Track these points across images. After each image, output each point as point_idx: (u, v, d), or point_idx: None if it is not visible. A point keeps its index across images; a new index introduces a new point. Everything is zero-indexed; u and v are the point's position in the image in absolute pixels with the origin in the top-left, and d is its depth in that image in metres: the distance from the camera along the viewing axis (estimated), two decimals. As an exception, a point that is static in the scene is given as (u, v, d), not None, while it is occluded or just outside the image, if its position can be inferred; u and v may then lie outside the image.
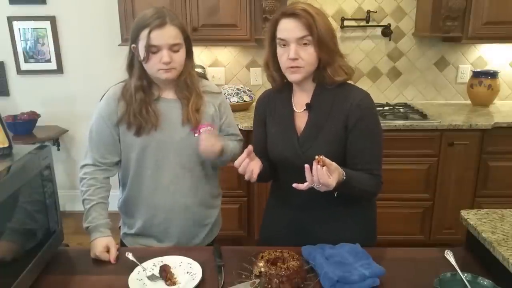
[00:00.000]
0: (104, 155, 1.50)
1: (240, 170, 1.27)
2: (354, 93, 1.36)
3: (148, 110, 1.46)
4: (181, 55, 1.44)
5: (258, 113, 1.53)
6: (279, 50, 1.34)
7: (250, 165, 1.28)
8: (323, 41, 1.29)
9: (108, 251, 1.35)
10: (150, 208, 1.54)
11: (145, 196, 1.53)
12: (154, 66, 1.42)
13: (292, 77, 1.35)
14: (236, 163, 1.28)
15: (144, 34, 1.38)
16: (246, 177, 1.28)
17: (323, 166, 1.14)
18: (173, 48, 1.41)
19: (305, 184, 1.18)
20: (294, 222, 1.47)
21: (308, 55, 1.30)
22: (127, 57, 1.49)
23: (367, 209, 1.49)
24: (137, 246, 1.57)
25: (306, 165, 1.15)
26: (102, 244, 1.36)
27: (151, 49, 1.39)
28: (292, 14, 1.29)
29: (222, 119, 1.60)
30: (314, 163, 1.14)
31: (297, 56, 1.29)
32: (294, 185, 1.20)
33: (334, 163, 1.19)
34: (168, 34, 1.39)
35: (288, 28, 1.30)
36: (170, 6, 2.71)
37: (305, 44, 1.29)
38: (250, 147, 1.28)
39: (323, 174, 1.14)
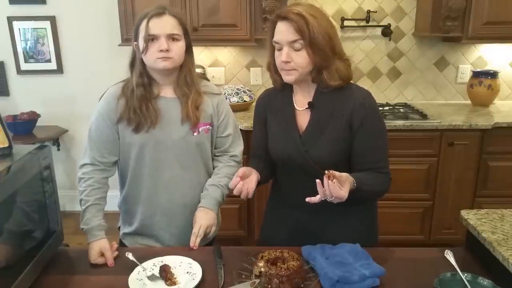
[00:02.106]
0: (103, 154, 1.50)
1: (236, 192, 1.29)
2: (356, 92, 1.36)
3: (148, 107, 1.47)
4: (180, 46, 1.45)
5: (258, 112, 1.53)
6: (276, 52, 1.35)
7: (244, 185, 1.29)
8: (316, 44, 1.27)
9: (103, 254, 1.34)
10: (149, 206, 1.54)
11: (144, 194, 1.53)
12: (152, 55, 1.42)
13: (286, 78, 1.35)
14: (231, 185, 1.30)
15: (143, 25, 1.41)
16: (242, 196, 1.30)
17: (334, 179, 1.14)
18: (171, 37, 1.42)
19: (318, 197, 1.18)
20: (297, 222, 1.46)
21: (300, 58, 1.29)
22: (130, 56, 1.51)
23: (369, 207, 1.50)
24: (137, 246, 1.57)
25: (318, 180, 1.16)
26: (96, 249, 1.34)
27: (149, 38, 1.40)
28: (284, 18, 1.29)
29: (219, 119, 1.59)
30: (325, 178, 1.14)
31: (289, 59, 1.29)
32: (307, 199, 1.20)
33: (344, 174, 1.19)
34: (166, 23, 1.42)
35: (281, 31, 1.30)
36: (170, 6, 2.71)
37: (297, 47, 1.28)
38: (240, 170, 1.29)
39: (335, 187, 1.14)
